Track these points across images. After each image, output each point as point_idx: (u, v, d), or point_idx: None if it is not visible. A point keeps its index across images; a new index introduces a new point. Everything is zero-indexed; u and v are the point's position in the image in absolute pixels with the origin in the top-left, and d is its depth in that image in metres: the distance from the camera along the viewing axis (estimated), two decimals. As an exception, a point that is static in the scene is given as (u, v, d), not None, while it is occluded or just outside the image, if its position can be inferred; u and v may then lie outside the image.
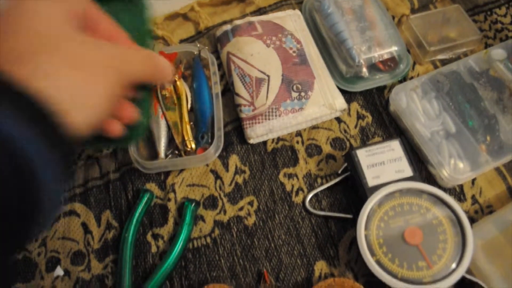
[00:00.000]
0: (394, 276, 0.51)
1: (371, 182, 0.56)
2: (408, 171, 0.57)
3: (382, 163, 0.57)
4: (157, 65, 0.43)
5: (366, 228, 0.54)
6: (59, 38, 0.34)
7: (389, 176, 0.57)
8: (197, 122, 0.64)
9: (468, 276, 0.52)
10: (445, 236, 0.53)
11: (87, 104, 0.34)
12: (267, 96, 0.64)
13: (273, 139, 0.66)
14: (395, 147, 0.58)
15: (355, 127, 0.66)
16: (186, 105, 0.65)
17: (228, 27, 0.71)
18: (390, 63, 0.67)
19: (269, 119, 0.63)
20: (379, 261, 0.52)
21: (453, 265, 0.51)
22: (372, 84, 0.67)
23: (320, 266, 0.57)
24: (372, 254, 0.53)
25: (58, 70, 0.33)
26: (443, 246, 0.52)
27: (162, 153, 0.62)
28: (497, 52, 0.66)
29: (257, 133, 0.63)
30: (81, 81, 0.34)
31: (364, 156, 0.58)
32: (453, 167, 0.59)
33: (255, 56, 0.67)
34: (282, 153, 0.65)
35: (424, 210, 0.54)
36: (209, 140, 0.62)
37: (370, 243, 0.53)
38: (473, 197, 0.60)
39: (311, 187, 0.62)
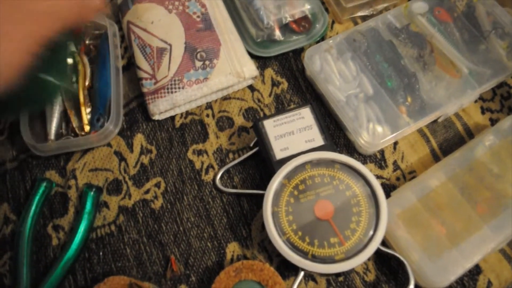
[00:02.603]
0: (304, 255, 0.47)
1: (279, 154, 0.52)
2: (319, 140, 0.52)
3: (291, 133, 0.53)
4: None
5: (275, 204, 0.49)
6: None
7: (298, 146, 0.52)
8: (95, 103, 0.58)
9: (384, 249, 0.48)
10: (359, 209, 0.49)
11: None
12: (169, 67, 0.58)
13: (181, 114, 0.60)
14: (305, 114, 0.53)
15: (270, 95, 0.61)
16: (84, 83, 0.59)
17: (128, -7, 0.64)
18: (304, 23, 0.61)
19: (171, 93, 0.57)
20: (289, 239, 0.48)
21: (367, 240, 0.47)
22: (287, 48, 0.62)
23: (232, 248, 0.53)
24: (282, 232, 0.48)
25: None
26: (357, 220, 0.48)
27: (52, 135, 0.56)
28: (418, 5, 0.62)
29: (160, 108, 0.57)
30: None
31: (271, 126, 0.53)
32: (372, 132, 0.55)
33: (156, 23, 0.60)
34: (191, 129, 0.59)
35: (337, 182, 0.50)
36: (105, 124, 0.56)
37: (280, 220, 0.48)
38: (394, 163, 0.56)
39: (222, 164, 0.57)
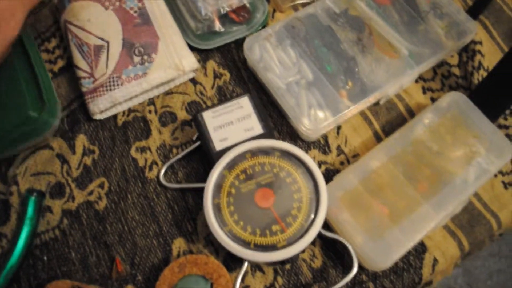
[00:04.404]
0: (247, 245, 0.46)
1: (218, 145, 0.51)
2: (258, 128, 0.52)
3: (230, 123, 0.52)
4: None
5: (216, 196, 0.49)
6: None
7: (238, 136, 0.51)
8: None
9: (327, 234, 0.48)
10: (300, 195, 0.48)
11: None
12: (107, 65, 0.57)
13: (124, 112, 0.59)
14: (244, 104, 0.53)
15: (212, 87, 0.60)
16: None
17: (64, -8, 0.63)
18: (244, 13, 0.61)
19: (110, 90, 0.56)
20: (231, 231, 0.47)
21: (308, 225, 0.47)
22: (228, 39, 0.61)
23: (178, 244, 0.52)
24: (224, 224, 0.47)
25: None
26: (297, 206, 0.48)
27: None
28: (356, -11, 0.61)
29: (100, 107, 0.56)
30: None
31: (210, 118, 0.52)
32: (314, 118, 0.54)
33: (93, 21, 0.59)
34: (134, 126, 0.58)
35: (277, 169, 0.50)
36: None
37: (221, 212, 0.48)
38: (338, 147, 0.56)
39: (166, 159, 0.56)
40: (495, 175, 0.56)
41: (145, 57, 0.57)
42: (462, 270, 1.31)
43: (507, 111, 0.59)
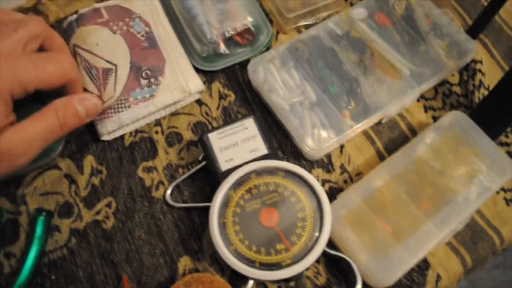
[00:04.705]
0: (252, 263, 0.47)
1: (224, 166, 0.52)
2: (263, 149, 0.53)
3: (236, 144, 0.53)
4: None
5: (222, 216, 0.50)
6: None
7: (243, 157, 0.52)
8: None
9: (331, 251, 0.49)
10: (304, 214, 0.49)
11: None
12: (115, 88, 0.58)
13: (131, 132, 0.60)
14: (249, 125, 0.54)
15: (217, 108, 0.61)
16: None
17: (73, 17, 0.65)
18: (248, 36, 0.62)
19: (118, 112, 0.58)
20: (236, 250, 0.48)
21: (313, 244, 0.48)
22: (233, 60, 0.63)
23: (184, 263, 0.53)
24: (229, 243, 0.48)
25: None
26: (302, 225, 0.49)
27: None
28: (358, 11, 0.63)
29: (108, 128, 0.58)
30: None
31: (216, 139, 0.53)
32: (317, 138, 0.55)
33: (101, 45, 0.61)
34: (140, 146, 0.59)
35: (282, 189, 0.50)
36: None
37: (226, 231, 0.49)
38: (341, 166, 0.57)
39: (172, 179, 0.57)
40: (497, 192, 0.56)
41: (152, 80, 0.59)
42: (466, 281, 1.31)
43: (509, 129, 0.60)
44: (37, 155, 0.48)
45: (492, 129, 0.57)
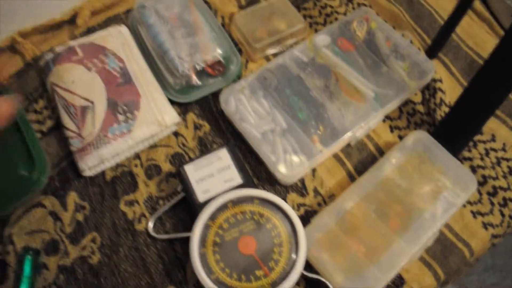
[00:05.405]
0: (233, 291, 0.49)
1: (201, 197, 0.54)
2: (238, 179, 0.55)
3: (211, 175, 0.56)
4: None
5: (202, 246, 0.52)
6: None
7: (219, 187, 0.55)
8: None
9: (308, 274, 0.52)
10: (280, 239, 0.52)
11: None
12: (93, 124, 0.60)
13: (111, 167, 0.62)
14: (223, 155, 0.57)
15: (193, 138, 0.64)
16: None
17: (49, 56, 0.66)
18: (218, 67, 0.65)
19: (98, 148, 0.60)
20: (218, 278, 0.50)
21: (290, 268, 0.50)
22: (206, 91, 0.65)
23: (170, 293, 0.55)
24: (210, 272, 0.51)
25: None
26: (279, 250, 0.51)
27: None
28: (321, 38, 0.66)
29: (88, 164, 0.60)
30: None
31: (192, 171, 0.56)
32: (290, 163, 0.58)
33: (77, 82, 0.63)
34: (121, 180, 0.62)
35: (257, 216, 0.53)
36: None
37: (207, 261, 0.51)
38: (315, 189, 0.60)
39: (153, 211, 0.59)
40: (464, 206, 0.59)
41: (129, 115, 0.61)
42: (457, 286, 1.34)
43: (471, 143, 0.63)
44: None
45: (455, 145, 0.60)
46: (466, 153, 0.63)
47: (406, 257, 0.52)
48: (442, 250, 0.57)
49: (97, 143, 0.60)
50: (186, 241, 0.56)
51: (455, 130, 0.60)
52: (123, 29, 0.69)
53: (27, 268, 0.56)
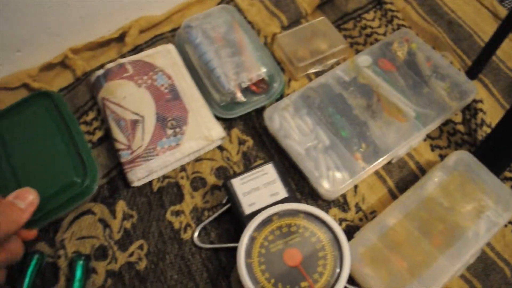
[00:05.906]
0: (278, 301, 0.51)
1: (247, 209, 0.56)
2: (283, 193, 0.57)
3: (257, 188, 0.57)
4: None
5: (249, 256, 0.54)
6: None
7: (264, 201, 0.57)
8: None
9: (351, 288, 0.53)
10: (324, 252, 0.53)
11: None
12: (143, 138, 0.63)
13: (158, 178, 0.65)
14: (268, 170, 0.59)
15: (237, 153, 0.66)
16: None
17: (100, 72, 0.70)
18: (262, 85, 0.67)
19: (147, 160, 0.62)
20: (264, 288, 0.52)
21: (334, 281, 0.52)
22: (249, 108, 0.68)
23: (214, 301, 0.57)
24: (256, 282, 0.52)
25: None
26: (323, 263, 0.53)
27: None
28: (363, 59, 0.68)
29: (138, 176, 0.62)
30: None
31: (239, 184, 0.58)
32: (332, 179, 0.60)
33: (128, 98, 0.66)
34: (168, 191, 0.64)
35: (302, 230, 0.55)
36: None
37: (253, 271, 0.53)
38: (356, 205, 0.61)
39: (199, 222, 0.61)
40: (505, 225, 0.60)
41: (177, 130, 0.64)
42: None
43: (512, 164, 0.64)
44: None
45: (496, 165, 0.61)
46: (508, 173, 0.63)
47: (448, 274, 0.53)
48: (484, 269, 0.58)
49: (147, 155, 0.63)
50: (231, 251, 0.58)
51: (497, 151, 0.61)
52: (171, 48, 0.72)
53: (78, 272, 0.59)
